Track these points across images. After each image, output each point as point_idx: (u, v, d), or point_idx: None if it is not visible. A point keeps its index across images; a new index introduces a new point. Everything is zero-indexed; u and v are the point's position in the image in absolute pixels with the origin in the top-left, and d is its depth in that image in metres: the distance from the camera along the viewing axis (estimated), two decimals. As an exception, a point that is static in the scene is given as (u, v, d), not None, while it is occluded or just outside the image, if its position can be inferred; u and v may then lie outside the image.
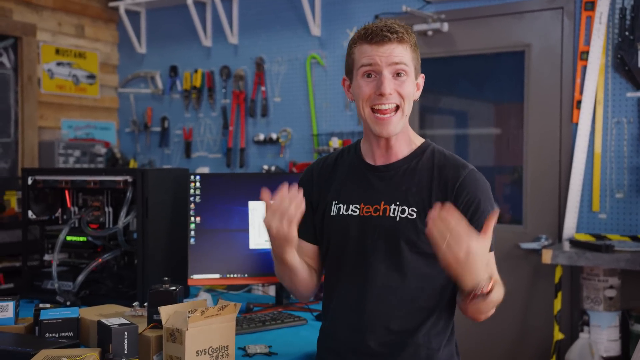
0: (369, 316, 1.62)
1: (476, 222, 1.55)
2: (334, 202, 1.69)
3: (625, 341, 3.26)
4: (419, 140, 1.70)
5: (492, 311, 1.57)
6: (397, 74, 1.58)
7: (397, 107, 1.59)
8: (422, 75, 1.67)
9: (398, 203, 1.61)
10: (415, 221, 1.59)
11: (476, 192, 1.60)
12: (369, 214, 1.63)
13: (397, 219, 1.60)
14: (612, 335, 3.21)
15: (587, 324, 3.23)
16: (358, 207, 1.65)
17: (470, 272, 1.40)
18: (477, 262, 1.39)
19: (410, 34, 1.61)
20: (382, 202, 1.62)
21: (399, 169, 1.65)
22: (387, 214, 1.61)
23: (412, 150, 1.67)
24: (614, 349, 3.21)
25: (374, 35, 1.57)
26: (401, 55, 1.58)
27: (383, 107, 1.58)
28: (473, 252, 1.37)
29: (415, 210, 1.59)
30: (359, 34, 1.62)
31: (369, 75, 1.59)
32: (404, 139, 1.66)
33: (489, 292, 1.44)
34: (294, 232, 1.54)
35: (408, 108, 1.61)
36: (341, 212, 1.67)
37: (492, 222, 1.44)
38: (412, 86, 1.61)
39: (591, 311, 3.22)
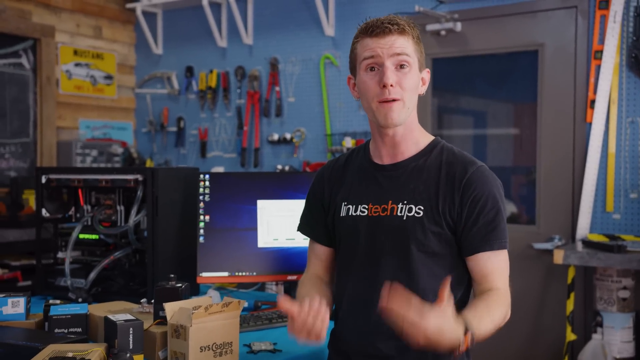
0: (377, 318, 1.58)
1: (483, 220, 1.55)
2: (343, 203, 1.69)
3: (639, 342, 3.23)
4: (427, 139, 1.67)
5: (502, 323, 1.54)
6: (400, 66, 1.56)
7: (398, 100, 1.56)
8: (427, 70, 1.65)
9: (405, 202, 1.59)
10: (422, 219, 1.57)
11: (483, 188, 1.57)
12: (377, 213, 1.61)
13: (405, 218, 1.58)
14: (626, 336, 3.18)
15: (600, 325, 3.21)
16: (366, 207, 1.64)
17: (439, 346, 1.34)
18: (442, 339, 1.32)
19: (412, 27, 1.59)
20: (390, 202, 1.61)
21: (406, 167, 1.63)
22: (395, 213, 1.59)
23: (420, 148, 1.64)
24: (628, 350, 3.18)
25: (374, 27, 1.57)
26: (403, 46, 1.56)
27: (386, 99, 1.55)
28: (432, 335, 1.31)
29: (422, 208, 1.57)
30: (361, 29, 1.62)
31: (372, 69, 1.57)
32: (410, 137, 1.63)
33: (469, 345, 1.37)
34: (323, 339, 1.48)
35: (410, 100, 1.57)
36: (350, 213, 1.66)
37: (445, 287, 1.36)
38: (416, 79, 1.59)
39: (604, 312, 3.20)
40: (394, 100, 1.55)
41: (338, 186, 1.72)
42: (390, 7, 3.96)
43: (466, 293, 1.64)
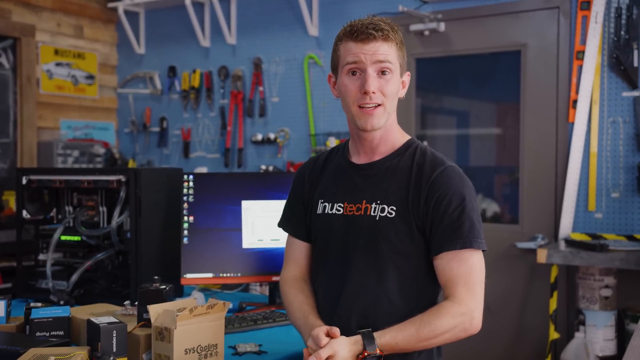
0: (344, 314, 1.61)
1: (448, 219, 1.54)
2: (320, 201, 1.70)
3: (621, 341, 3.26)
4: (404, 138, 1.68)
5: (454, 333, 1.51)
6: (382, 72, 1.57)
7: (380, 105, 1.58)
8: (408, 73, 1.66)
9: (378, 202, 1.60)
10: (394, 220, 1.57)
11: (448, 188, 1.56)
12: (352, 212, 1.63)
13: (377, 218, 1.59)
14: (608, 334, 3.21)
15: (583, 323, 3.24)
16: (342, 205, 1.65)
17: None
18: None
19: (396, 32, 1.59)
20: (364, 201, 1.62)
21: (381, 167, 1.64)
22: (368, 213, 1.60)
23: (395, 148, 1.65)
24: (610, 348, 3.21)
25: (359, 32, 1.57)
26: (386, 53, 1.56)
27: (367, 106, 1.57)
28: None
29: (395, 209, 1.58)
30: (345, 30, 1.61)
31: (353, 73, 1.58)
32: (388, 137, 1.65)
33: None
34: None
35: (391, 106, 1.60)
36: (326, 211, 1.68)
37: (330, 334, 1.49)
38: (397, 84, 1.60)
39: (587, 310, 3.22)
40: (375, 106, 1.57)
41: (316, 184, 1.74)
42: (374, 7, 3.97)
43: (434, 298, 1.62)
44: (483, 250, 1.57)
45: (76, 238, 2.40)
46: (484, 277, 1.55)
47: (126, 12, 4.80)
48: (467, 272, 1.53)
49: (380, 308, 1.59)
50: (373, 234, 1.59)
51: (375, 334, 1.49)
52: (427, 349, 1.58)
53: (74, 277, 2.28)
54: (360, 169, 1.67)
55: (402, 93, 1.64)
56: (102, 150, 4.74)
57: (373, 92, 1.55)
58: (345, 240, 1.63)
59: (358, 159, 1.68)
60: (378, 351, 1.46)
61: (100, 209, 2.41)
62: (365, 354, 1.46)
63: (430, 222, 1.56)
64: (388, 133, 1.64)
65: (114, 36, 5.10)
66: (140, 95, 4.99)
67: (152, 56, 4.94)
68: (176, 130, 4.83)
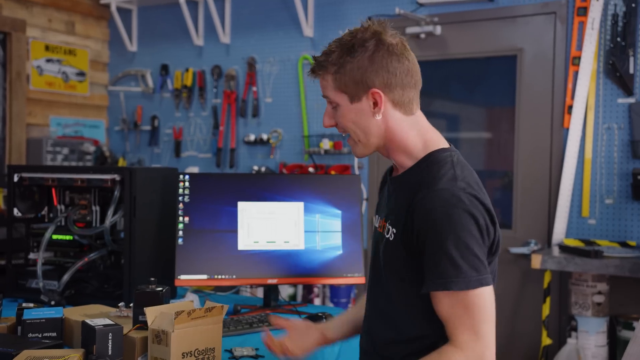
0: (365, 339, 1.58)
1: (427, 256, 1.35)
2: (375, 213, 1.63)
3: (613, 347, 3.26)
4: (427, 150, 1.46)
5: None
6: (333, 106, 1.48)
7: (350, 137, 1.49)
8: (374, 90, 1.41)
9: (389, 220, 1.47)
10: (393, 243, 1.43)
11: (426, 217, 1.34)
12: (381, 229, 1.52)
13: (384, 237, 1.47)
14: (600, 341, 3.21)
15: (575, 329, 3.23)
16: (378, 221, 1.56)
17: None
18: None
19: (329, 62, 1.43)
20: (384, 218, 1.51)
21: (397, 182, 1.50)
22: (383, 231, 1.49)
23: (414, 162, 1.46)
24: (602, 354, 3.21)
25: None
26: (324, 88, 1.46)
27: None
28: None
29: (395, 231, 1.43)
30: None
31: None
32: (399, 150, 1.47)
33: None
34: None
35: (360, 134, 1.45)
36: (374, 224, 1.60)
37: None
38: (351, 114, 1.44)
39: (579, 317, 3.22)
40: (348, 137, 1.49)
41: (380, 194, 1.67)
42: (370, 9, 3.95)
43: (436, 332, 1.41)
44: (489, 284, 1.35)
45: (68, 237, 2.36)
46: (491, 314, 1.34)
47: (119, 9, 4.75)
48: (463, 314, 1.32)
49: (390, 335, 1.49)
50: (382, 253, 1.48)
51: None
52: None
53: (66, 277, 2.24)
54: (391, 182, 1.55)
55: (376, 114, 1.43)
56: (92, 148, 4.69)
57: (328, 126, 1.50)
58: (373, 259, 1.57)
59: (396, 171, 1.55)
60: None
61: (93, 208, 2.37)
62: None
63: (418, 252, 1.38)
64: (393, 151, 1.48)
65: (106, 33, 5.04)
66: (131, 93, 4.94)
67: (144, 54, 4.89)
68: (167, 129, 4.78)
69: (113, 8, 4.69)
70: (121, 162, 4.87)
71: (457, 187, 1.35)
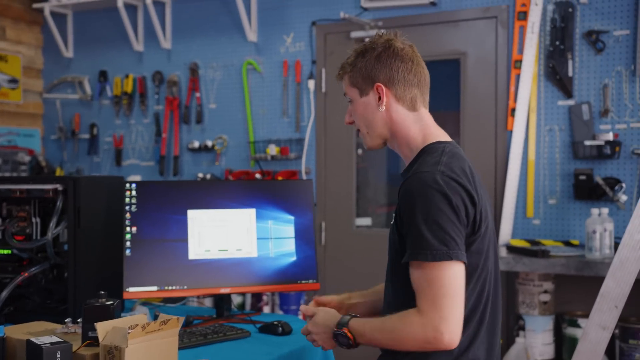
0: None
1: (407, 238, 1.50)
2: None
3: (559, 344, 3.33)
4: (424, 143, 1.63)
5: (402, 338, 1.48)
6: (349, 102, 1.72)
7: (359, 130, 1.71)
8: (378, 84, 1.64)
9: (394, 214, 1.62)
10: (393, 227, 1.59)
11: (405, 198, 1.51)
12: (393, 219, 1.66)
13: (390, 229, 1.62)
14: (547, 339, 3.28)
15: (523, 328, 3.28)
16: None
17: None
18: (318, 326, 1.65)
19: (347, 64, 1.69)
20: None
21: (403, 174, 1.66)
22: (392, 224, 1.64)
23: (414, 156, 1.64)
24: (548, 352, 3.27)
25: None
26: (345, 87, 1.71)
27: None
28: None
29: (394, 216, 1.59)
30: None
31: None
32: (403, 143, 1.66)
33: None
34: None
35: (367, 126, 1.68)
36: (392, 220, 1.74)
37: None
38: (361, 107, 1.68)
39: (526, 315, 3.27)
40: (358, 131, 1.72)
41: None
42: (314, 13, 3.93)
43: None
44: (464, 262, 1.47)
45: (6, 251, 2.23)
46: (455, 290, 1.44)
47: (52, 14, 4.57)
48: (427, 285, 1.45)
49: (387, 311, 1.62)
50: (389, 238, 1.64)
51: (354, 318, 1.58)
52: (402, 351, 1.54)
53: (4, 293, 2.11)
54: (401, 176, 1.69)
55: (380, 106, 1.65)
56: (27, 158, 4.50)
57: (348, 123, 1.73)
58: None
59: (403, 166, 1.73)
60: (345, 330, 1.55)
61: (33, 220, 2.25)
62: (335, 329, 1.57)
63: (405, 232, 1.54)
64: (398, 146, 1.69)
65: (39, 38, 4.85)
66: (68, 101, 4.77)
67: (81, 60, 4.73)
68: (107, 137, 4.63)
69: (47, 12, 4.51)
70: (58, 172, 4.69)
71: (436, 170, 1.50)
